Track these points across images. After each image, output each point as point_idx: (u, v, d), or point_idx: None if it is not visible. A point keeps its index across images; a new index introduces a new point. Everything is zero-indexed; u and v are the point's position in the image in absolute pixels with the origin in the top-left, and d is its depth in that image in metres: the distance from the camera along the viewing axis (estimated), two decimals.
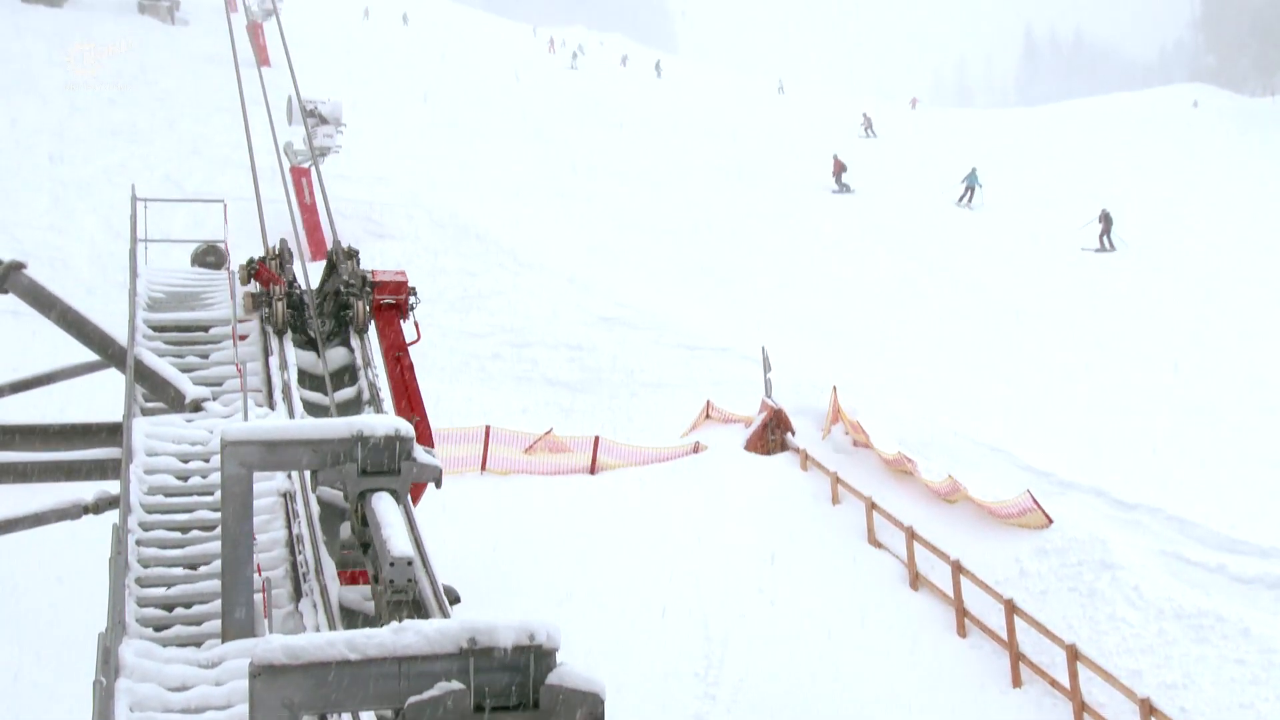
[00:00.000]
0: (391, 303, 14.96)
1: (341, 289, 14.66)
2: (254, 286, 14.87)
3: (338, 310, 14.82)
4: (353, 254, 15.03)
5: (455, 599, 13.50)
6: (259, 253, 15.91)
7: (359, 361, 14.57)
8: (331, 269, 15.16)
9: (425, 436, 14.55)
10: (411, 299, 15.17)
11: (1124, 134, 72.84)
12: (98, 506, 13.34)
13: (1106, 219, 45.69)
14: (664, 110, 69.00)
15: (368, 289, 14.65)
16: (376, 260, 34.94)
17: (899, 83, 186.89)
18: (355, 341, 14.71)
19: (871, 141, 67.26)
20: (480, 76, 69.36)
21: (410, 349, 15.42)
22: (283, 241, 15.37)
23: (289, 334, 14.32)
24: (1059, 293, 40.26)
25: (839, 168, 53.42)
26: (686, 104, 73.44)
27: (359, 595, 10.23)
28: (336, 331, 14.83)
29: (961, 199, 51.31)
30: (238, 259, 16.49)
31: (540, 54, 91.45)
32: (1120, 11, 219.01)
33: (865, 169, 55.84)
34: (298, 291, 14.98)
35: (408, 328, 15.34)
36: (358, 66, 60.78)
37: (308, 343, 14.97)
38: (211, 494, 10.69)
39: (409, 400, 14.98)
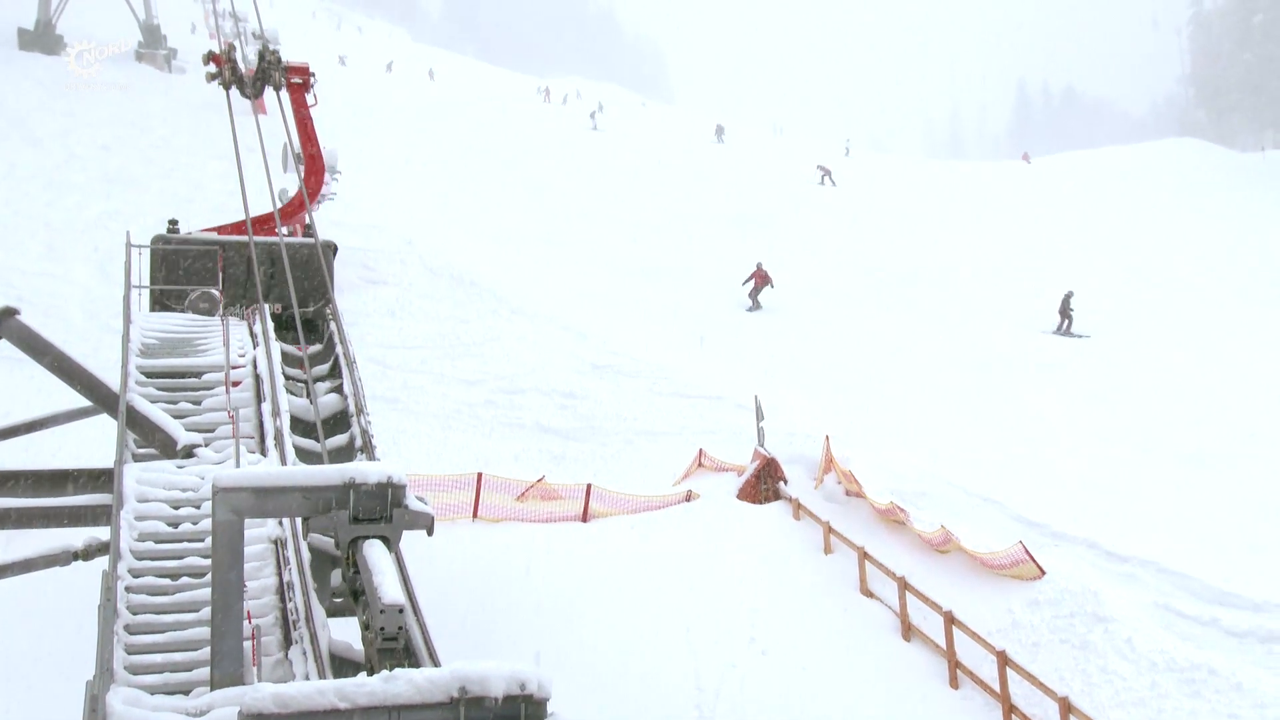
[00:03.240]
0: (299, 81, 22.75)
1: (265, 68, 19.78)
2: (212, 67, 19.26)
3: (264, 80, 19.62)
4: (275, 52, 19.77)
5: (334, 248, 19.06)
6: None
7: (351, 409, 14.70)
8: (262, 59, 19.93)
9: (319, 163, 24.43)
10: (312, 79, 23.29)
11: (1117, 187, 73.40)
12: (87, 553, 13.29)
13: (1065, 303, 42.10)
14: (656, 158, 69.40)
15: (283, 67, 19.79)
16: (370, 306, 35.61)
17: (891, 133, 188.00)
18: (348, 388, 14.89)
19: (830, 190, 67.06)
20: (474, 126, 69.81)
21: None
22: (230, 44, 19.40)
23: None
24: (1051, 344, 40.39)
25: (760, 281, 43.01)
26: (676, 151, 73.90)
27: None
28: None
29: None
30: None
31: (535, 104, 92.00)
32: (1112, 66, 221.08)
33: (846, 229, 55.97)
34: (240, 70, 19.49)
35: (310, 99, 23.52)
36: (355, 115, 61.13)
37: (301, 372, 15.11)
38: (202, 540, 10.63)
39: (306, 136, 23.44)
